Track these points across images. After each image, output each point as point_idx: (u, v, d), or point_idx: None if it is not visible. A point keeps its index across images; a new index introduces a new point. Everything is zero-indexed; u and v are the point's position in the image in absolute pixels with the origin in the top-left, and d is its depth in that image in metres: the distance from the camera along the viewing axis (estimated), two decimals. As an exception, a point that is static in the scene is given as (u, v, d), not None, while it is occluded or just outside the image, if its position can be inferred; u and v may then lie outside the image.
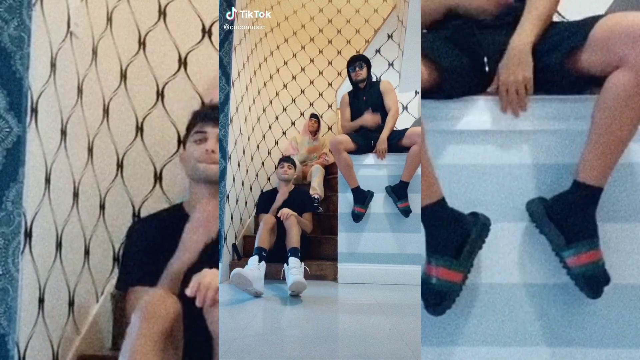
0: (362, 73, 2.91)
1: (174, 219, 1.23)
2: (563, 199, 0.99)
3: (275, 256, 2.76)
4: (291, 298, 2.20)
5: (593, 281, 0.96)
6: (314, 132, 4.20)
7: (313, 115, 4.24)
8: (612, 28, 0.92)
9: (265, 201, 3.10)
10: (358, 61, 2.94)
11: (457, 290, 0.97)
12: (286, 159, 3.21)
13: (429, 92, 1.06)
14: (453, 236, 0.99)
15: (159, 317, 0.93)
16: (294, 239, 2.52)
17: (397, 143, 2.67)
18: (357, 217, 2.68)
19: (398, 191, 2.65)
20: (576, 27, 1.00)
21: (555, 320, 1.04)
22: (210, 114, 1.26)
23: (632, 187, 1.05)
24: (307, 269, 2.29)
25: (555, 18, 1.17)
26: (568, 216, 0.98)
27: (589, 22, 0.97)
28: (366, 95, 2.90)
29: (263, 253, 2.39)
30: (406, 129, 2.70)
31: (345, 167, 2.65)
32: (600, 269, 0.96)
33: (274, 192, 3.18)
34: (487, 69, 1.08)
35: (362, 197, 2.67)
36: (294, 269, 2.28)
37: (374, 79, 3.09)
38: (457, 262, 0.97)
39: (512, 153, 1.08)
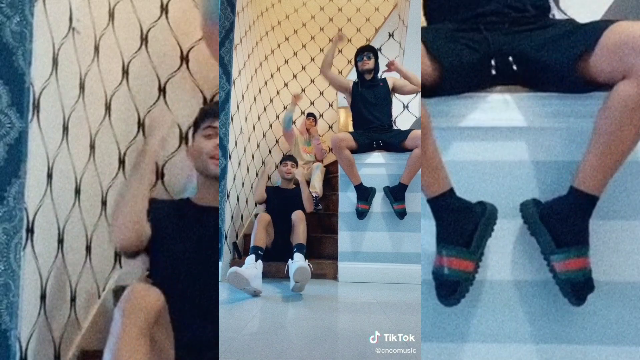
0: (370, 63, 2.92)
1: (180, 211, 1.26)
2: (558, 204, 0.99)
3: (275, 255, 2.76)
4: (291, 297, 2.20)
5: (581, 288, 0.96)
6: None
7: (310, 115, 4.23)
8: (621, 36, 0.91)
9: (268, 196, 3.12)
10: (366, 51, 2.95)
11: (470, 279, 0.97)
12: (289, 158, 3.23)
13: (430, 89, 1.06)
14: (463, 226, 0.99)
15: (140, 311, 0.93)
16: (300, 235, 2.52)
17: (400, 144, 2.67)
18: (361, 214, 2.68)
19: (395, 193, 2.65)
20: (587, 30, 0.99)
21: (555, 319, 1.04)
22: (217, 110, 1.32)
23: (633, 187, 1.05)
24: (311, 267, 2.29)
25: (558, 16, 1.17)
26: (561, 221, 0.97)
27: (600, 27, 0.96)
28: (374, 88, 2.90)
29: (259, 252, 2.39)
30: (409, 130, 2.70)
31: (347, 165, 2.65)
32: (587, 276, 0.96)
33: (276, 189, 3.19)
34: (493, 71, 1.08)
35: (365, 194, 2.67)
36: (298, 262, 2.27)
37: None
38: (468, 251, 0.97)
39: (513, 150, 1.08)
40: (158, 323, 0.97)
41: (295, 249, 2.42)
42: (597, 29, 0.96)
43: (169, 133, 1.24)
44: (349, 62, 4.70)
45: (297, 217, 2.63)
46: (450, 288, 0.97)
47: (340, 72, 4.70)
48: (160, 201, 1.33)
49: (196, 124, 1.35)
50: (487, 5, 1.12)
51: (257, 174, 3.84)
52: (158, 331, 0.97)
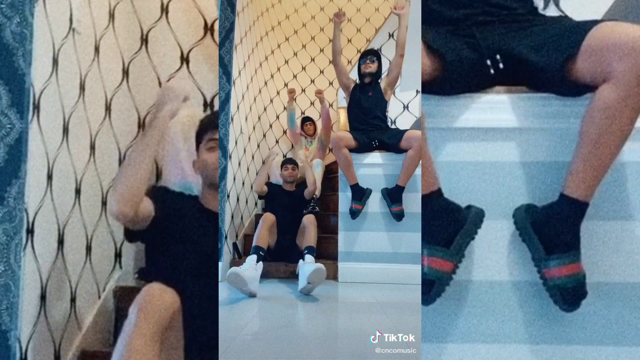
0: (372, 67, 2.94)
1: (190, 208, 1.28)
2: (549, 211, 0.99)
3: (276, 255, 2.76)
4: (291, 297, 2.19)
5: (570, 294, 0.96)
6: (311, 135, 4.19)
7: (307, 119, 4.21)
8: (602, 40, 0.90)
9: (269, 193, 3.18)
10: (370, 55, 2.98)
11: (446, 279, 0.98)
12: (289, 161, 3.24)
13: (429, 87, 1.06)
14: (446, 226, 0.99)
15: (155, 311, 0.92)
16: (312, 238, 2.52)
17: (396, 144, 2.67)
18: (354, 213, 2.68)
19: (392, 195, 2.65)
20: (578, 32, 0.99)
21: (555, 319, 1.04)
22: (216, 119, 1.33)
23: (633, 186, 1.05)
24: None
25: (556, 13, 1.17)
26: (551, 229, 0.98)
27: (585, 29, 0.95)
28: (372, 91, 2.91)
29: (261, 252, 2.39)
30: (405, 131, 2.70)
31: (344, 164, 2.66)
32: (580, 282, 0.96)
33: (279, 189, 3.20)
34: (492, 71, 1.08)
35: (360, 194, 2.67)
36: (310, 263, 2.27)
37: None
38: (447, 252, 0.98)
39: (511, 151, 1.08)
40: (171, 325, 0.97)
41: (306, 251, 2.42)
42: (584, 30, 0.95)
43: (180, 105, 1.24)
44: (349, 62, 4.71)
45: (309, 220, 2.64)
46: (427, 287, 0.97)
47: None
48: (172, 192, 1.34)
49: (198, 137, 1.36)
50: (477, 4, 1.12)
51: (257, 174, 3.83)
52: (170, 333, 0.97)
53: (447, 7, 1.15)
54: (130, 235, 1.23)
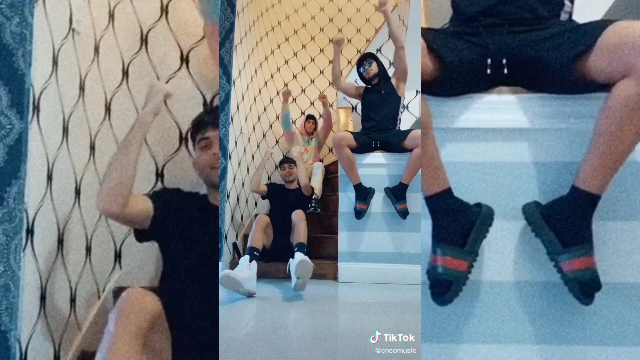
0: (373, 68, 2.93)
1: (198, 206, 1.28)
2: (561, 204, 0.99)
3: (277, 255, 2.76)
4: (291, 297, 2.19)
5: (588, 286, 0.96)
6: (310, 133, 4.19)
7: (310, 117, 4.22)
8: (621, 36, 0.91)
9: (271, 192, 3.20)
10: (366, 59, 2.97)
11: (463, 279, 0.98)
12: (286, 160, 3.24)
13: (429, 88, 1.06)
14: (459, 225, 0.99)
15: (135, 315, 0.92)
16: (301, 235, 2.52)
17: (399, 144, 2.67)
18: (359, 213, 2.69)
19: (397, 193, 2.66)
20: (586, 30, 0.99)
21: (555, 319, 1.04)
22: (209, 118, 1.32)
23: (632, 187, 1.05)
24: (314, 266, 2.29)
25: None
26: (564, 221, 0.97)
27: (599, 27, 0.96)
28: (384, 89, 2.90)
29: (255, 252, 2.39)
30: (409, 130, 2.70)
31: (347, 164, 2.66)
32: (593, 274, 0.96)
33: (280, 188, 3.21)
34: (488, 70, 1.08)
35: (364, 194, 2.67)
36: (299, 257, 2.27)
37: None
38: (462, 251, 0.98)
39: (512, 151, 1.08)
40: (154, 328, 0.97)
41: (296, 248, 2.42)
42: (596, 28, 0.96)
43: (162, 104, 1.26)
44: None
45: (298, 216, 2.64)
46: (444, 287, 0.97)
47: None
48: (184, 192, 1.34)
49: (192, 137, 1.36)
50: (488, 1, 1.12)
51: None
52: (154, 336, 0.97)
53: (462, 3, 1.15)
54: (139, 234, 1.23)
